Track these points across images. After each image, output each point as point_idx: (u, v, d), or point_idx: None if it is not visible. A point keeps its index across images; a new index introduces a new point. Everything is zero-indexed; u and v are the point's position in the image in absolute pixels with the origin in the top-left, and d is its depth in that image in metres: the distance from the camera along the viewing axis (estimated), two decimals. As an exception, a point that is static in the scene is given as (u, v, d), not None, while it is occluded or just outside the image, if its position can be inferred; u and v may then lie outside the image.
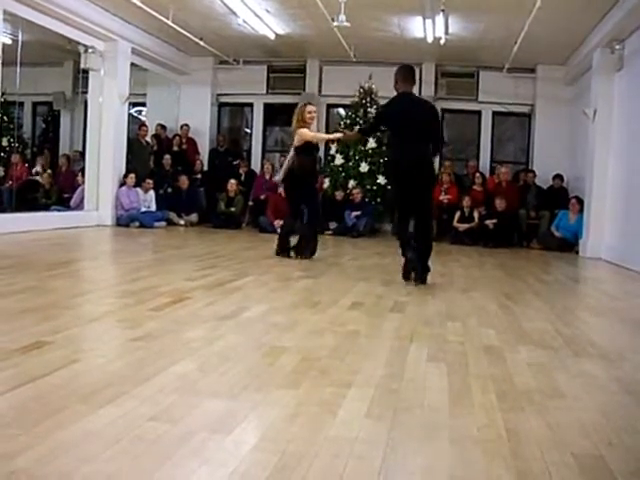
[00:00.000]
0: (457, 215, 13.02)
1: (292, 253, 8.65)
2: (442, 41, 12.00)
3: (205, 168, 15.35)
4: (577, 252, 11.82)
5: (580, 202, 12.15)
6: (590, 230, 11.39)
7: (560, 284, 8.43)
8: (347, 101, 14.55)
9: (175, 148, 15.07)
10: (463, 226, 12.89)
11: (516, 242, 12.96)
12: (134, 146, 13.79)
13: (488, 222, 12.67)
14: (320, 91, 15.38)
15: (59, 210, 13.00)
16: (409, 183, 6.79)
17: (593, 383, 3.54)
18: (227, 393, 2.97)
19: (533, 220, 13.35)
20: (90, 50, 12.40)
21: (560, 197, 13.27)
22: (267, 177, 14.37)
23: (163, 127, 15.42)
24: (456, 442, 2.55)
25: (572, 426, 2.79)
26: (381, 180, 13.77)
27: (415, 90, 14.53)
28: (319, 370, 3.42)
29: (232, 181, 13.87)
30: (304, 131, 8.55)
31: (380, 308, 5.41)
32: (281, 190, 12.87)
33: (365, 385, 3.19)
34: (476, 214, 12.92)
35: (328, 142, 12.76)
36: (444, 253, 11.18)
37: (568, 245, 12.20)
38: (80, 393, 2.82)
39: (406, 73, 7.22)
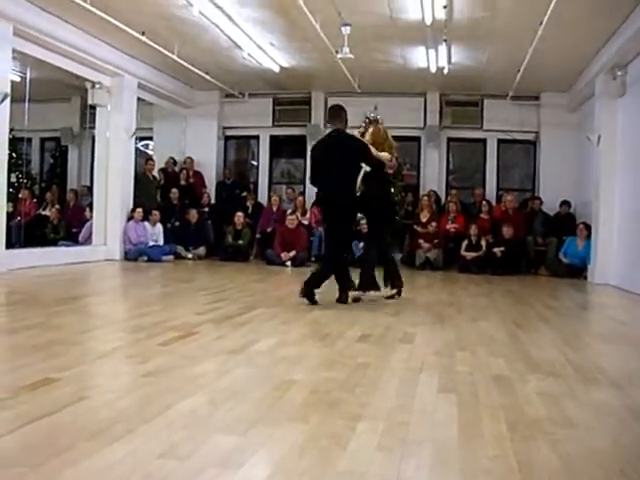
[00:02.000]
0: (464, 244, 13.00)
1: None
2: (445, 70, 12.10)
3: (212, 201, 15.40)
4: (585, 278, 11.78)
5: (588, 228, 12.13)
6: (598, 256, 11.35)
7: (569, 311, 8.40)
8: (353, 132, 14.59)
9: (182, 182, 15.14)
10: (470, 254, 12.87)
11: (524, 269, 12.93)
12: (141, 180, 13.85)
13: (496, 250, 12.65)
14: (326, 123, 15.44)
15: (67, 245, 13.05)
16: (327, 216, 7.63)
17: (604, 411, 3.52)
18: (237, 428, 2.96)
19: (540, 247, 13.32)
20: (97, 86, 12.52)
21: (567, 223, 13.26)
22: (274, 209, 14.40)
23: (174, 161, 15.53)
24: (467, 473, 2.54)
25: (584, 455, 2.77)
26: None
27: (420, 119, 14.98)
28: (329, 403, 3.41)
29: (239, 214, 13.89)
30: None
31: (389, 339, 5.40)
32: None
33: (375, 418, 3.18)
34: (483, 242, 12.90)
35: None
36: (452, 282, 11.18)
37: (576, 271, 12.15)
38: (89, 430, 2.82)
39: (333, 112, 8.23)
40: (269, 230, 13.89)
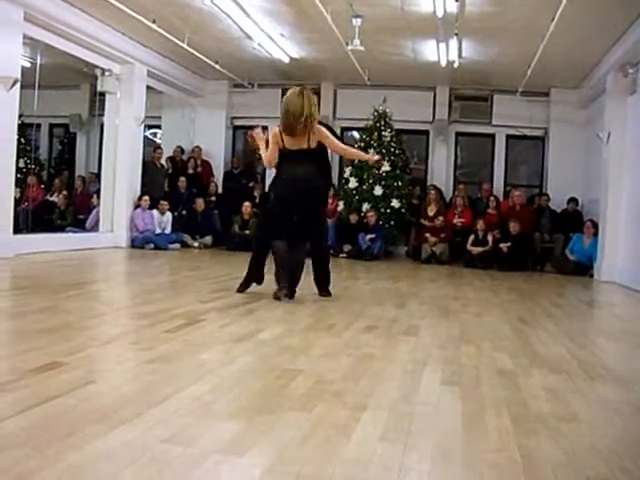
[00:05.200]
0: (471, 238, 13.00)
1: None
2: (456, 65, 12.07)
3: (219, 191, 15.42)
4: (592, 276, 11.77)
5: (595, 225, 12.12)
6: (604, 254, 11.34)
7: (574, 308, 8.40)
8: (361, 124, 14.62)
9: (190, 171, 15.17)
10: (477, 249, 12.87)
11: (530, 266, 12.93)
12: (149, 169, 13.89)
13: (502, 245, 12.64)
14: (335, 114, 15.45)
15: (74, 231, 13.08)
16: None
17: (608, 407, 3.52)
18: (241, 415, 2.98)
19: (547, 244, 13.31)
20: (107, 73, 12.53)
21: (574, 220, 13.25)
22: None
23: (182, 150, 15.55)
24: (470, 466, 2.54)
25: (587, 450, 2.77)
26: (395, 203, 13.80)
27: (429, 113, 14.98)
28: (333, 393, 3.42)
29: (246, 204, 13.90)
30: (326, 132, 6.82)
31: (394, 331, 5.41)
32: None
33: (379, 408, 3.19)
34: (490, 237, 12.89)
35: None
36: (457, 276, 11.18)
37: (582, 269, 12.14)
38: (94, 414, 2.83)
39: None
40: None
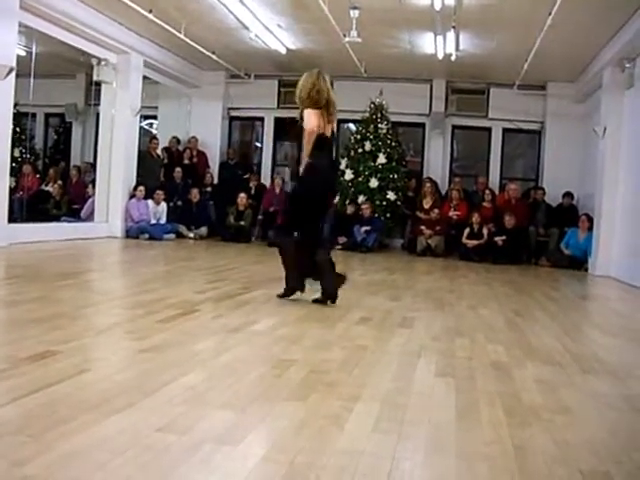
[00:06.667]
0: (466, 231, 13.00)
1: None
2: (453, 57, 12.05)
3: (215, 181, 15.39)
4: (586, 270, 11.79)
5: (590, 220, 12.12)
6: (599, 248, 11.35)
7: (568, 301, 8.42)
8: (358, 116, 14.60)
9: (186, 161, 15.14)
10: (472, 242, 12.87)
11: (525, 259, 12.94)
12: (144, 159, 13.85)
13: (497, 239, 12.65)
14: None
15: (69, 221, 13.05)
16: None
17: (601, 400, 3.53)
18: (235, 404, 2.98)
19: (542, 237, 13.33)
20: (103, 63, 12.48)
21: (569, 215, 13.25)
22: (277, 191, 14.38)
23: (178, 140, 15.51)
24: (463, 457, 2.55)
25: (579, 443, 2.78)
26: (391, 196, 13.80)
27: (426, 105, 14.96)
28: (327, 383, 3.42)
29: (242, 195, 13.90)
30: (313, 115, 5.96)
31: (388, 323, 5.42)
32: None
33: (372, 399, 3.20)
34: (485, 231, 12.90)
35: None
36: (452, 269, 11.19)
37: (577, 263, 12.16)
38: (89, 402, 2.84)
39: None
40: (272, 210, 13.85)
